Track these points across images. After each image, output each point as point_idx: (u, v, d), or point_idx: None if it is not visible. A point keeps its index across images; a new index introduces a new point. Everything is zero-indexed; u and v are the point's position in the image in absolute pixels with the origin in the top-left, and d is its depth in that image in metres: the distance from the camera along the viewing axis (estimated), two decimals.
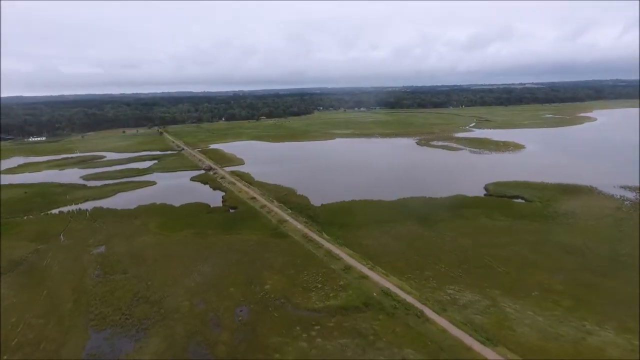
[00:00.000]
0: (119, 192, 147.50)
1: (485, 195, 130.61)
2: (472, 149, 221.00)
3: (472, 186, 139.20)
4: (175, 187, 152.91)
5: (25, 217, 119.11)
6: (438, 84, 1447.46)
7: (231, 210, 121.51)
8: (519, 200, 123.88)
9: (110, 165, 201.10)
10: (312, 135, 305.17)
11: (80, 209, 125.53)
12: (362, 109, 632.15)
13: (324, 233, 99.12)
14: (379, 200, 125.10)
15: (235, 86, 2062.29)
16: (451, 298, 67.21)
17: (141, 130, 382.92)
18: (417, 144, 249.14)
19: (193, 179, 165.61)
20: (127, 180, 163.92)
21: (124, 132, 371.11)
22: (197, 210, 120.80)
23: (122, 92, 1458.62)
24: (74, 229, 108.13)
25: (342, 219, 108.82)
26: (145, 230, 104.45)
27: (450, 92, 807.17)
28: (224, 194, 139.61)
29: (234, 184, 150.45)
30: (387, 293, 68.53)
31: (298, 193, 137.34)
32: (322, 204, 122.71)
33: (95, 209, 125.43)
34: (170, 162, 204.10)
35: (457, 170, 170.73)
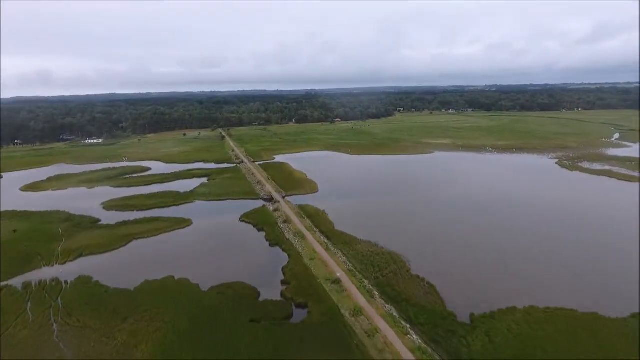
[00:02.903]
0: (135, 238, 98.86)
1: None
2: None
3: None
4: (216, 235, 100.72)
5: None
6: (526, 83, 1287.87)
7: (295, 310, 64.87)
8: None
9: (148, 184, 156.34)
10: (402, 146, 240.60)
11: (57, 280, 77.31)
12: (450, 110, 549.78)
13: None
14: (600, 315, 60.23)
15: (308, 85, 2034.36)
16: None
17: (204, 133, 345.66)
18: (560, 166, 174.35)
19: (244, 218, 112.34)
20: (155, 216, 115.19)
21: (184, 134, 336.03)
22: (237, 307, 65.45)
23: (202, 90, 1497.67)
24: (7, 345, 58.26)
25: None
26: None
27: (552, 92, 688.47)
28: (286, 261, 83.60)
29: (304, 237, 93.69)
30: None
31: (413, 272, 76.74)
32: (472, 314, 61.15)
33: (78, 281, 76.48)
34: (221, 184, 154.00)
35: None
